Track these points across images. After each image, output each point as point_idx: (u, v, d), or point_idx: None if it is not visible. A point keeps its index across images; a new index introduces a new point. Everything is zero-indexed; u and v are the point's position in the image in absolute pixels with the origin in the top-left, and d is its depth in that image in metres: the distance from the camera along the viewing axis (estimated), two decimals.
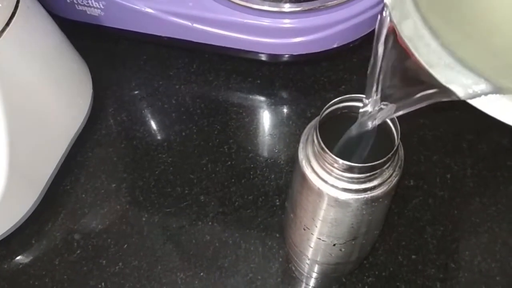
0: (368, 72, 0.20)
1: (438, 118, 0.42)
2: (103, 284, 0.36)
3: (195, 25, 0.42)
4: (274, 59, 0.45)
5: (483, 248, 0.37)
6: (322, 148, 0.20)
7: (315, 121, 0.21)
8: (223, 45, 0.43)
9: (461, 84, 0.16)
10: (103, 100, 0.44)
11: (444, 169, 0.40)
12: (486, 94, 0.16)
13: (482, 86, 0.16)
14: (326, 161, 0.20)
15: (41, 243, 0.38)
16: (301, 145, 0.22)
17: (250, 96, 0.45)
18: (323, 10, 0.40)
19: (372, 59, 0.19)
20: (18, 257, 0.37)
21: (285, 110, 0.44)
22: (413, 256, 0.36)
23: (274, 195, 0.39)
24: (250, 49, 0.43)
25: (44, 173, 0.39)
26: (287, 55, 0.44)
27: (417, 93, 0.18)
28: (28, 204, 0.38)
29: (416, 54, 0.17)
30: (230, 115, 0.44)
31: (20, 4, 0.34)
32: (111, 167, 0.41)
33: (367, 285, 0.35)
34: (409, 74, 0.18)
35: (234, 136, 0.42)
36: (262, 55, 0.44)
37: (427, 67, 0.16)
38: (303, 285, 0.36)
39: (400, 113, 0.19)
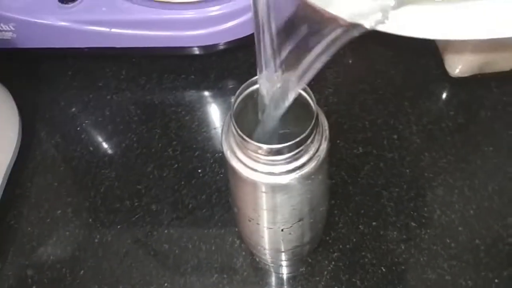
0: (256, 44, 0.18)
1: (376, 81, 0.42)
2: None
3: (113, 30, 0.40)
4: (207, 50, 0.43)
5: (441, 201, 0.37)
6: (243, 138, 0.19)
7: (230, 113, 0.20)
8: (147, 45, 0.42)
9: (363, 13, 0.14)
10: (33, 125, 0.42)
11: (390, 130, 0.40)
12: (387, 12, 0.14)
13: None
14: (249, 149, 0.20)
15: None
16: (223, 136, 0.21)
17: (187, 93, 0.44)
18: None
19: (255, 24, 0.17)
20: None
21: (225, 101, 0.43)
22: (374, 223, 0.36)
23: (227, 189, 0.38)
24: (178, 45, 0.42)
25: None
26: (221, 44, 0.42)
27: (318, 45, 0.17)
28: None
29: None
30: (169, 117, 0.42)
31: None
32: (53, 193, 0.39)
33: (333, 261, 0.35)
34: (304, 25, 0.17)
35: (177, 137, 0.41)
36: (195, 48, 0.43)
37: (324, 8, 0.15)
38: (273, 273, 0.35)
39: (308, 77, 0.18)
